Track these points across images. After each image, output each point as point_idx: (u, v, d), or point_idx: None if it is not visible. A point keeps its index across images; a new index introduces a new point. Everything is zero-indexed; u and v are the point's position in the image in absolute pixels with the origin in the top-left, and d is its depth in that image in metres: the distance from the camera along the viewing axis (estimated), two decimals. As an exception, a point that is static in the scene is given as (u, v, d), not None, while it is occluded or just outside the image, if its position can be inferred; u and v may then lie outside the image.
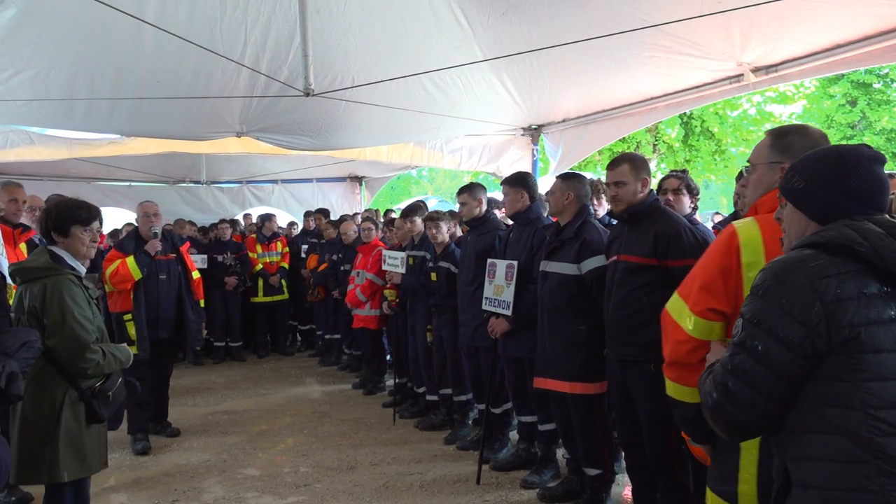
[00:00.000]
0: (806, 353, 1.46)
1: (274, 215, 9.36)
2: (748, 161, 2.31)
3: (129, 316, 5.19)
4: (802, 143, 2.16)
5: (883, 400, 1.44)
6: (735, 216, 3.48)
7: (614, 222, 4.68)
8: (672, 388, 2.22)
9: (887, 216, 1.58)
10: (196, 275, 5.75)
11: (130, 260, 5.20)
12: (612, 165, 3.55)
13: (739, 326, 1.55)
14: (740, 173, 2.54)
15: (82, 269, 3.14)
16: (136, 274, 5.18)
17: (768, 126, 15.58)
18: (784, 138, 2.21)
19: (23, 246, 4.45)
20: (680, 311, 2.13)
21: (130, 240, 5.40)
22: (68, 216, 3.08)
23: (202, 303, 5.83)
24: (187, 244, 6.03)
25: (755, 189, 2.24)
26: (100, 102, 5.37)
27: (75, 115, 5.61)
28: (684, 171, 4.55)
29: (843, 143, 19.58)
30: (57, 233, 3.07)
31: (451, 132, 7.18)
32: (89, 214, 3.12)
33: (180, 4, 4.49)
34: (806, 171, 1.66)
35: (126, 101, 5.35)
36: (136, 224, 5.81)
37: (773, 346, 1.48)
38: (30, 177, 9.31)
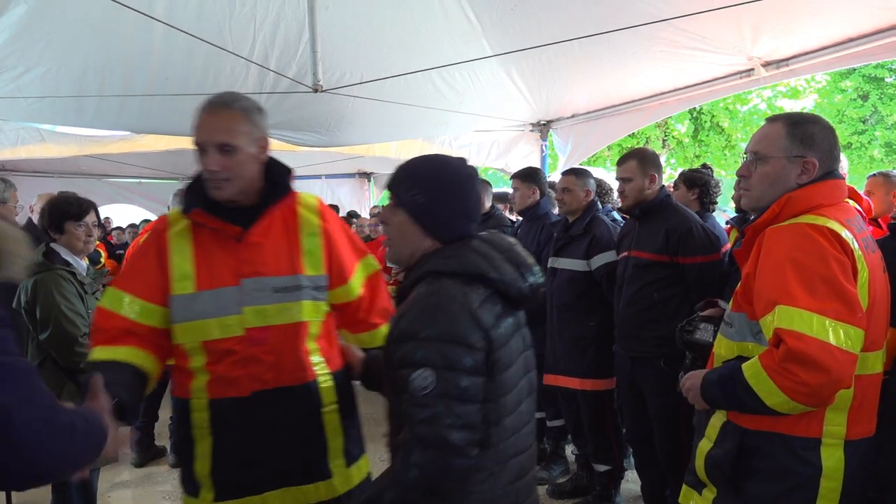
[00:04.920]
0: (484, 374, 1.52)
1: None
2: (752, 151, 2.01)
3: None
4: (825, 137, 1.94)
5: (508, 409, 1.57)
6: (744, 218, 3.41)
7: (618, 217, 4.69)
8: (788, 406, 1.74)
9: (498, 231, 1.75)
10: None
11: None
12: (620, 162, 3.56)
13: (430, 376, 1.47)
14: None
15: (82, 264, 3.18)
16: None
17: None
18: (803, 127, 1.94)
19: None
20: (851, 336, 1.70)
21: None
22: (60, 213, 3.11)
23: None
24: None
25: (768, 185, 1.95)
26: (110, 99, 5.39)
27: (85, 111, 5.63)
28: (704, 166, 4.51)
29: (855, 137, 19.22)
30: (53, 230, 3.12)
31: (459, 128, 7.16)
32: (80, 209, 3.14)
33: (189, 1, 4.50)
34: (427, 185, 1.66)
35: (136, 97, 5.37)
36: None
37: (468, 379, 1.48)
38: (41, 174, 9.39)
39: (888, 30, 3.69)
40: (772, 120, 2.03)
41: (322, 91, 4.98)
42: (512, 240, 1.73)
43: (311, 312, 2.11)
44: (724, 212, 11.39)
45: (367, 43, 5.19)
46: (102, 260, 8.19)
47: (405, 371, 1.48)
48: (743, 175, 2.04)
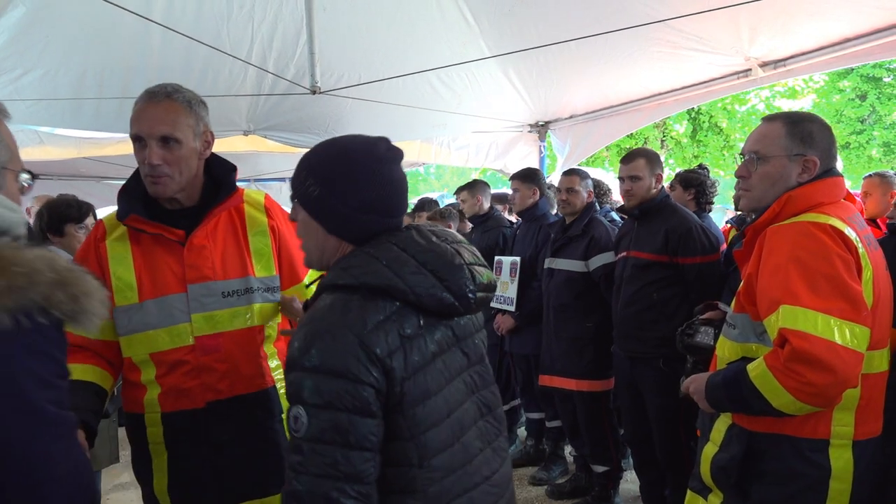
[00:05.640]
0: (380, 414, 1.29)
1: None
2: (751, 150, 1.98)
3: None
4: (824, 135, 1.93)
5: (436, 447, 1.33)
6: (744, 218, 3.42)
7: (617, 217, 4.70)
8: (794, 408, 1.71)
9: (419, 226, 1.45)
10: None
11: None
12: (627, 160, 3.52)
13: (303, 416, 1.24)
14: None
15: None
16: None
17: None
18: (802, 126, 1.92)
19: None
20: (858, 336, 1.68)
21: None
22: (60, 216, 3.11)
23: None
24: None
25: (769, 185, 1.93)
26: (108, 101, 5.39)
27: (84, 114, 5.63)
28: (700, 167, 4.52)
29: (854, 137, 19.21)
30: (52, 233, 3.11)
31: (457, 129, 7.16)
32: (80, 212, 3.14)
33: (187, 4, 4.51)
34: (321, 174, 1.41)
35: (134, 99, 5.36)
36: None
37: (354, 421, 1.24)
38: (39, 176, 9.37)
39: (886, 29, 3.69)
40: (769, 119, 2.01)
41: (320, 93, 4.99)
42: (436, 238, 1.43)
43: (266, 315, 2.04)
44: (727, 209, 11.37)
45: (365, 44, 5.19)
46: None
47: (289, 406, 1.29)
48: (742, 175, 2.02)
